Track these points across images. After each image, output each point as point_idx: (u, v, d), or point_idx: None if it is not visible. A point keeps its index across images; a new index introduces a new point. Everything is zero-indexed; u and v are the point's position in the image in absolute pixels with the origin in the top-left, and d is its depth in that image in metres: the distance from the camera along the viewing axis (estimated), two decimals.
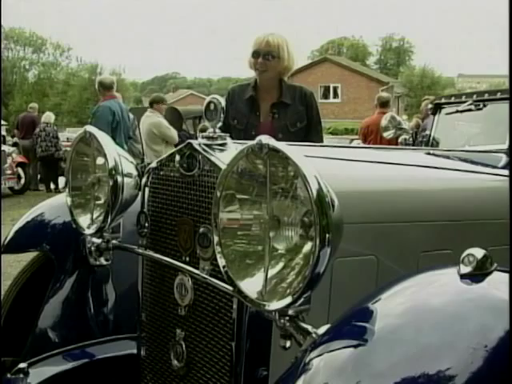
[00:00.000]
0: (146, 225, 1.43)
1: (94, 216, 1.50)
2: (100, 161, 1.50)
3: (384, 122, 2.65)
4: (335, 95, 30.94)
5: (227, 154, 1.23)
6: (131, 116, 5.86)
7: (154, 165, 1.43)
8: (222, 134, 1.30)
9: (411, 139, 3.10)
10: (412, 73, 40.98)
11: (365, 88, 29.64)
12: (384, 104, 5.73)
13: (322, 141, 2.54)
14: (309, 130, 2.42)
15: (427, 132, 2.70)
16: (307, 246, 0.96)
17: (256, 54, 2.34)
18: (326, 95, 30.60)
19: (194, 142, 1.29)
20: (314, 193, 0.92)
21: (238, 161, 1.02)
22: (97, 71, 28.43)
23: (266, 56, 2.32)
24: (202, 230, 1.24)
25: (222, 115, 1.27)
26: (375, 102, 5.87)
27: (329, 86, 30.53)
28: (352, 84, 30.14)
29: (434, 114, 2.64)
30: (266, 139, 0.97)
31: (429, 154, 2.01)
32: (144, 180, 1.45)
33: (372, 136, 5.51)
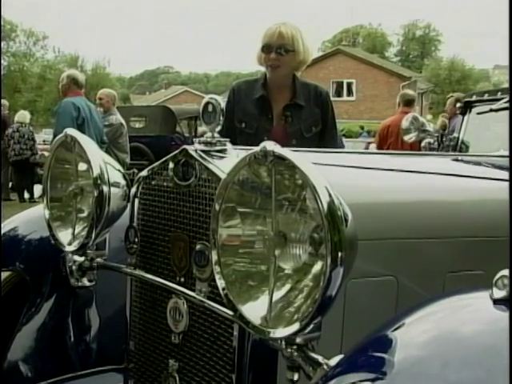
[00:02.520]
0: (136, 241, 1.45)
1: (76, 231, 1.52)
2: (83, 167, 1.52)
3: (405, 123, 2.66)
4: (349, 92, 31.02)
5: (227, 161, 1.25)
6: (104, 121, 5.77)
7: (144, 173, 1.45)
8: (222, 139, 1.32)
9: (436, 143, 3.11)
10: (439, 65, 41.01)
11: (383, 84, 29.73)
12: (409, 103, 5.74)
13: (337, 146, 2.56)
14: (323, 135, 2.44)
15: (455, 134, 2.69)
16: (317, 266, 0.98)
17: (267, 48, 2.34)
18: (338, 92, 30.68)
19: (190, 148, 1.32)
20: (325, 206, 0.94)
21: (240, 170, 1.04)
22: (78, 64, 28.52)
23: (279, 50, 2.32)
24: (198, 247, 1.26)
25: (221, 117, 1.29)
26: (397, 100, 5.88)
27: (342, 82, 30.63)
28: (368, 79, 30.22)
29: (463, 113, 2.63)
30: (270, 145, 0.99)
31: (457, 160, 2.02)
32: (133, 190, 1.47)
33: (392, 139, 5.52)
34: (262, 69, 2.48)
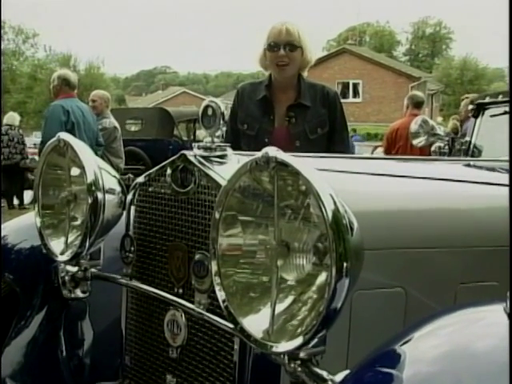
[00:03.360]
0: (132, 250, 1.46)
1: (69, 240, 1.52)
2: (76, 173, 1.53)
3: (414, 126, 2.67)
4: (355, 94, 31.08)
5: (228, 167, 1.26)
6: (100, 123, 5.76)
7: (141, 179, 1.46)
8: (222, 144, 1.33)
9: (447, 147, 3.11)
10: (450, 65, 40.99)
11: (391, 85, 29.79)
12: (418, 105, 5.75)
13: (347, 150, 2.56)
14: (332, 138, 2.44)
15: (467, 138, 2.69)
16: (321, 277, 0.99)
17: (274, 47, 2.37)
18: (344, 93, 30.68)
19: (189, 153, 1.33)
20: (330, 214, 0.95)
21: (241, 176, 1.05)
22: (70, 63, 28.60)
23: (288, 47, 2.35)
24: (197, 256, 1.27)
25: (221, 121, 1.31)
26: (406, 102, 5.89)
27: (348, 83, 30.70)
28: (376, 80, 30.30)
29: (475, 116, 2.62)
30: (272, 151, 1.00)
31: (469, 165, 2.02)
32: (129, 197, 1.49)
33: (401, 142, 5.53)
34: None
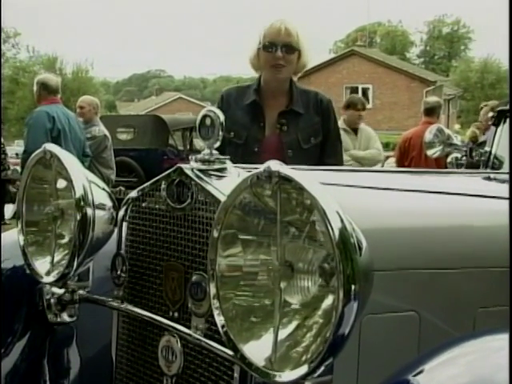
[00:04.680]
0: (124, 270, 1.47)
1: (55, 259, 1.53)
2: (63, 186, 1.54)
3: (428, 135, 2.68)
4: (365, 99, 31.00)
5: (227, 182, 1.28)
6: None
7: (134, 194, 1.48)
8: (221, 157, 1.35)
9: (465, 158, 3.11)
10: (469, 67, 40.96)
11: (404, 90, 29.86)
12: (433, 111, 5.75)
13: (341, 161, 2.57)
14: (325, 148, 2.46)
15: (487, 148, 2.69)
16: (328, 300, 1.00)
17: (271, 47, 2.37)
18: None
19: (185, 167, 1.34)
20: (336, 233, 0.96)
21: (241, 192, 1.07)
22: (56, 66, 28.70)
23: (285, 48, 2.36)
24: (194, 278, 1.28)
25: (220, 132, 1.32)
26: (421, 108, 5.91)
27: (357, 88, 30.73)
28: (387, 84, 30.38)
29: (496, 124, 2.61)
30: (275, 165, 1.02)
31: (488, 178, 2.03)
32: (121, 213, 1.50)
33: (414, 153, 5.54)
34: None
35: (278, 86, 2.45)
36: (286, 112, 2.42)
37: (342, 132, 4.81)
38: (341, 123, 5.09)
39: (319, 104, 2.46)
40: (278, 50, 2.36)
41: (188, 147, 11.36)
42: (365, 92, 30.91)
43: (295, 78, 2.49)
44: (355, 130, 5.10)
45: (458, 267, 1.40)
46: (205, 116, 1.35)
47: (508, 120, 2.16)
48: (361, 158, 5.06)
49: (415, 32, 53.80)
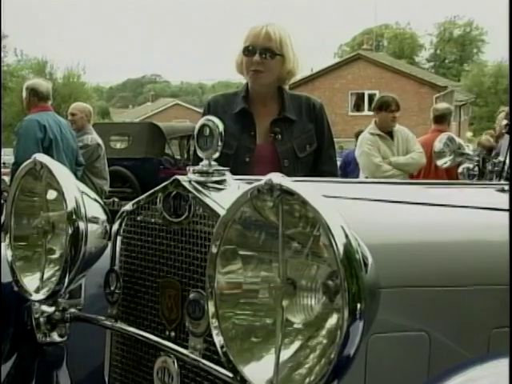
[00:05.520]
0: (118, 287, 1.47)
1: (45, 275, 1.53)
2: (54, 199, 1.55)
3: (438, 144, 2.68)
4: (371, 106, 30.95)
5: (227, 194, 1.29)
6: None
7: (128, 207, 1.48)
8: (220, 168, 1.36)
9: (477, 168, 3.11)
10: (482, 71, 40.95)
11: (412, 96, 29.85)
12: (443, 119, 5.73)
13: (336, 170, 2.58)
14: (318, 156, 2.47)
15: (500, 158, 2.70)
16: (332, 319, 1.00)
17: (250, 51, 2.38)
18: (358, 106, 30.86)
19: (183, 178, 1.35)
20: (341, 248, 0.97)
21: (241, 205, 1.08)
22: (46, 70, 28.79)
23: (265, 53, 2.36)
24: (192, 295, 1.29)
25: (219, 143, 1.34)
26: (431, 116, 5.90)
27: (363, 94, 30.83)
28: (395, 90, 30.06)
29: (510, 132, 2.63)
30: (277, 177, 1.03)
31: (502, 190, 2.03)
32: (115, 227, 1.51)
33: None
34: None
35: (263, 91, 2.45)
36: (278, 120, 2.43)
37: (375, 138, 4.73)
38: (372, 127, 4.89)
39: (312, 109, 2.47)
40: (257, 54, 2.36)
41: (185, 156, 11.39)
42: (371, 98, 30.87)
43: (286, 87, 2.50)
44: (389, 134, 4.84)
45: (470, 284, 1.39)
46: (203, 125, 1.36)
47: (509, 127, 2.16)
48: (403, 165, 4.78)
49: (425, 34, 53.92)
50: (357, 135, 9.55)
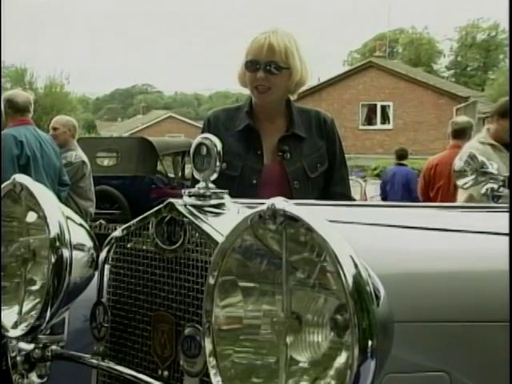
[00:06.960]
0: (105, 319, 1.48)
1: (24, 309, 1.53)
2: (35, 225, 1.56)
3: (458, 162, 2.68)
4: (384, 119, 31.22)
5: (225, 220, 1.30)
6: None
7: (118, 233, 1.49)
8: (218, 191, 1.38)
9: (503, 189, 3.11)
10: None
11: (431, 107, 29.96)
12: (463, 133, 5.67)
13: (349, 192, 2.57)
14: (330, 176, 2.48)
15: None
16: (341, 358, 1.01)
17: (253, 66, 2.38)
18: (370, 119, 30.94)
19: (177, 202, 1.36)
20: (350, 280, 0.97)
21: (241, 233, 1.09)
22: (25, 79, 28.92)
23: (269, 67, 2.36)
24: (187, 331, 1.29)
25: (217, 163, 1.35)
26: (448, 130, 5.88)
27: (375, 105, 30.91)
28: (411, 101, 30.49)
29: (511, 134, 2.63)
30: (280, 202, 1.04)
31: None
32: (103, 255, 1.52)
33: (441, 182, 5.51)
34: None
35: (269, 107, 2.46)
36: (287, 137, 2.44)
37: (486, 147, 4.47)
38: (483, 136, 4.49)
39: (322, 125, 2.48)
40: (261, 69, 2.36)
41: (179, 174, 11.40)
42: (384, 110, 31.00)
43: (292, 98, 2.51)
44: (505, 146, 4.35)
45: (495, 320, 1.39)
46: (200, 144, 1.38)
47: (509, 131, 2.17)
48: None
49: (444, 39, 53.90)
50: (398, 154, 9.51)
